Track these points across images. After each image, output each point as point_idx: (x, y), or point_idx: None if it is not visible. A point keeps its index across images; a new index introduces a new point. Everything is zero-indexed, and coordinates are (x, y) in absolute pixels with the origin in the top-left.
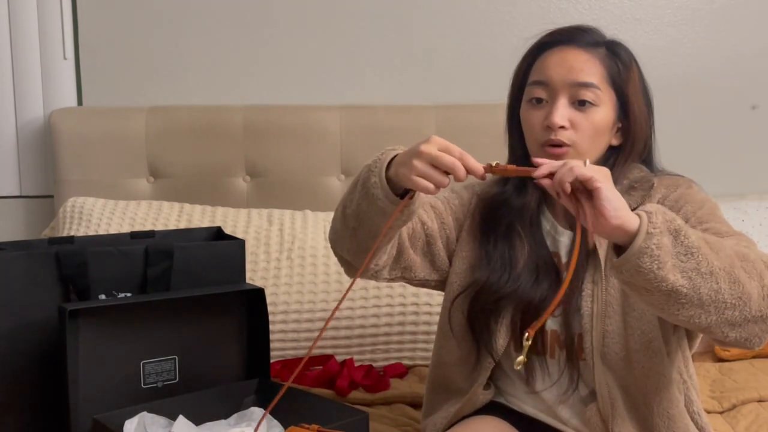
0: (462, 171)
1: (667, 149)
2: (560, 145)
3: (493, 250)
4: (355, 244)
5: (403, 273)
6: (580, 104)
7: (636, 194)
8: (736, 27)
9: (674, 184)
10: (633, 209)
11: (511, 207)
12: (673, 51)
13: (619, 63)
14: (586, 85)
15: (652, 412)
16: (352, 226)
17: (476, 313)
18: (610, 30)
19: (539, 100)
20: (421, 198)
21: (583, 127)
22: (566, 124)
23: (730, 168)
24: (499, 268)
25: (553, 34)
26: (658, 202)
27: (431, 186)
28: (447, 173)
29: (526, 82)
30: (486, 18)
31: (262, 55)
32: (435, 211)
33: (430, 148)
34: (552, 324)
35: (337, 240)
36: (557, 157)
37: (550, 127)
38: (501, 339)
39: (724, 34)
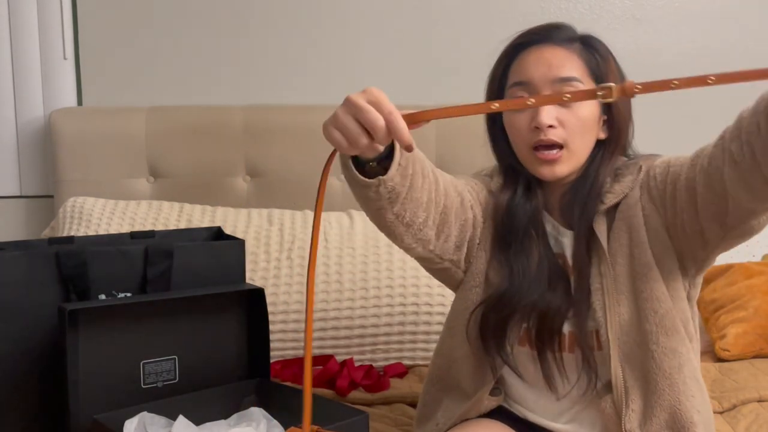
0: (381, 132)
1: (666, 149)
2: (551, 145)
3: (514, 258)
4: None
5: (454, 252)
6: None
7: (626, 180)
8: (736, 27)
9: (648, 163)
10: (625, 195)
11: (525, 212)
12: (673, 51)
13: (597, 55)
14: (568, 80)
15: (677, 392)
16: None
17: (491, 321)
18: (610, 30)
19: None
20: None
21: (572, 124)
22: (554, 122)
23: None
24: (518, 276)
25: (526, 35)
26: (641, 183)
27: (344, 142)
28: (369, 133)
29: (505, 86)
30: (486, 18)
31: (262, 55)
32: (469, 194)
33: (358, 99)
34: (568, 326)
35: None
36: (550, 162)
37: (538, 128)
38: (514, 346)
39: (724, 34)
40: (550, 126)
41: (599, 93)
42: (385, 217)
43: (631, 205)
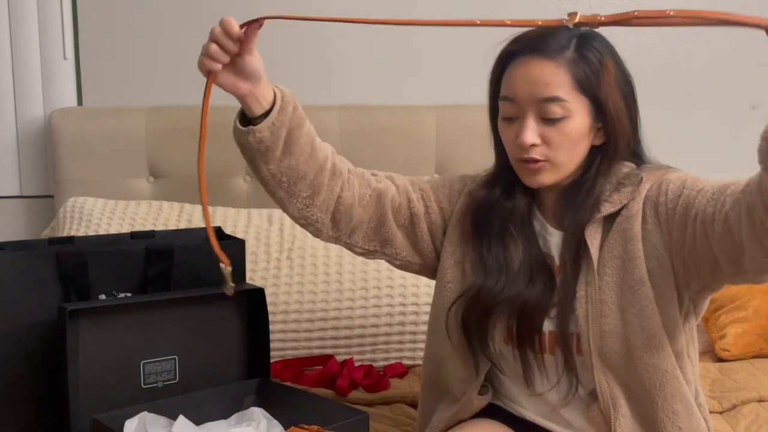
0: (218, 34)
1: (666, 149)
2: (535, 161)
3: (488, 253)
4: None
5: (382, 247)
6: (550, 119)
7: (626, 190)
8: (736, 27)
9: (658, 174)
10: (623, 205)
11: (502, 209)
12: (673, 51)
13: (588, 67)
14: (552, 100)
15: (656, 408)
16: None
17: (471, 317)
18: (610, 30)
19: (510, 119)
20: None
21: (556, 141)
22: (537, 141)
23: (729, 168)
24: (495, 272)
25: (518, 41)
26: (646, 194)
27: (201, 57)
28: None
29: (500, 92)
30: (486, 17)
31: (261, 55)
32: (423, 193)
33: (215, 27)
34: (549, 325)
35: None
36: (534, 171)
37: (521, 146)
38: (497, 343)
39: (724, 34)
40: (533, 144)
41: (566, 19)
42: (259, 170)
43: (629, 216)
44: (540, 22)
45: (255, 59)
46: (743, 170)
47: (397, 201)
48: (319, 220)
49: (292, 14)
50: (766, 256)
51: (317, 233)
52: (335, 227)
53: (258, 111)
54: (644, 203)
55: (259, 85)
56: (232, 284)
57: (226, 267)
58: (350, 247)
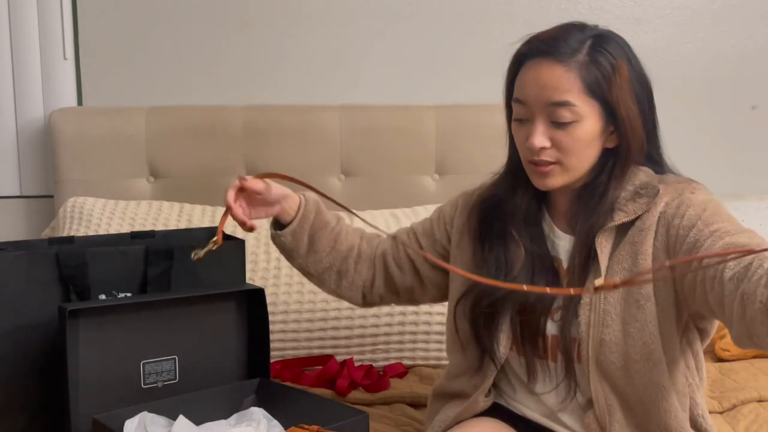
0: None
1: (667, 149)
2: (545, 163)
3: (488, 254)
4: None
5: (413, 295)
6: (560, 123)
7: (641, 201)
8: (736, 27)
9: (678, 189)
10: (638, 216)
11: (502, 209)
12: (673, 51)
13: (599, 71)
14: (561, 104)
15: (649, 420)
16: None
17: (477, 319)
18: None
19: (521, 120)
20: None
21: (566, 145)
22: (546, 144)
23: (730, 168)
24: (494, 272)
25: (531, 43)
26: (662, 209)
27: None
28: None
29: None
30: (485, 18)
31: (262, 55)
32: (415, 234)
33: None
34: (552, 329)
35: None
36: (544, 174)
37: (530, 149)
38: (503, 344)
39: (724, 34)
40: (543, 147)
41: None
42: (291, 262)
43: (643, 229)
44: (571, 291)
45: (271, 196)
46: (743, 170)
47: (397, 258)
48: (351, 298)
49: (283, 172)
50: (750, 339)
51: (353, 304)
52: (365, 302)
53: (286, 219)
54: (659, 220)
55: (284, 204)
56: (201, 252)
57: (215, 244)
58: (394, 305)
